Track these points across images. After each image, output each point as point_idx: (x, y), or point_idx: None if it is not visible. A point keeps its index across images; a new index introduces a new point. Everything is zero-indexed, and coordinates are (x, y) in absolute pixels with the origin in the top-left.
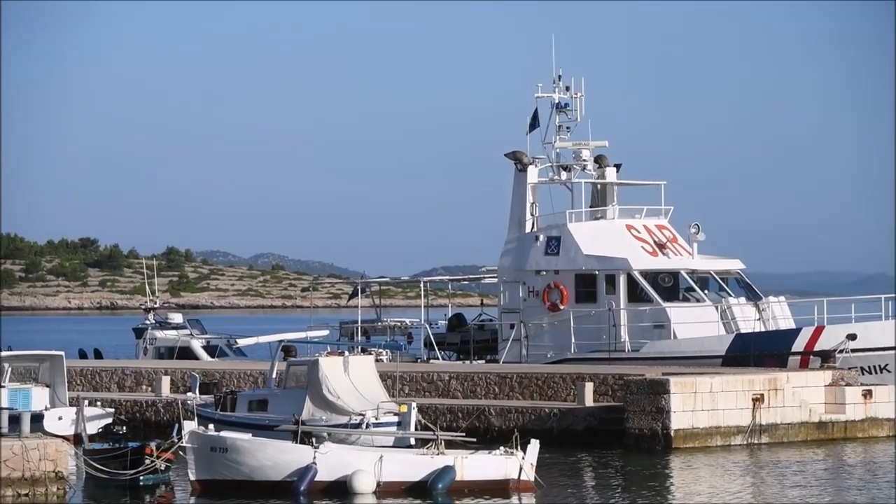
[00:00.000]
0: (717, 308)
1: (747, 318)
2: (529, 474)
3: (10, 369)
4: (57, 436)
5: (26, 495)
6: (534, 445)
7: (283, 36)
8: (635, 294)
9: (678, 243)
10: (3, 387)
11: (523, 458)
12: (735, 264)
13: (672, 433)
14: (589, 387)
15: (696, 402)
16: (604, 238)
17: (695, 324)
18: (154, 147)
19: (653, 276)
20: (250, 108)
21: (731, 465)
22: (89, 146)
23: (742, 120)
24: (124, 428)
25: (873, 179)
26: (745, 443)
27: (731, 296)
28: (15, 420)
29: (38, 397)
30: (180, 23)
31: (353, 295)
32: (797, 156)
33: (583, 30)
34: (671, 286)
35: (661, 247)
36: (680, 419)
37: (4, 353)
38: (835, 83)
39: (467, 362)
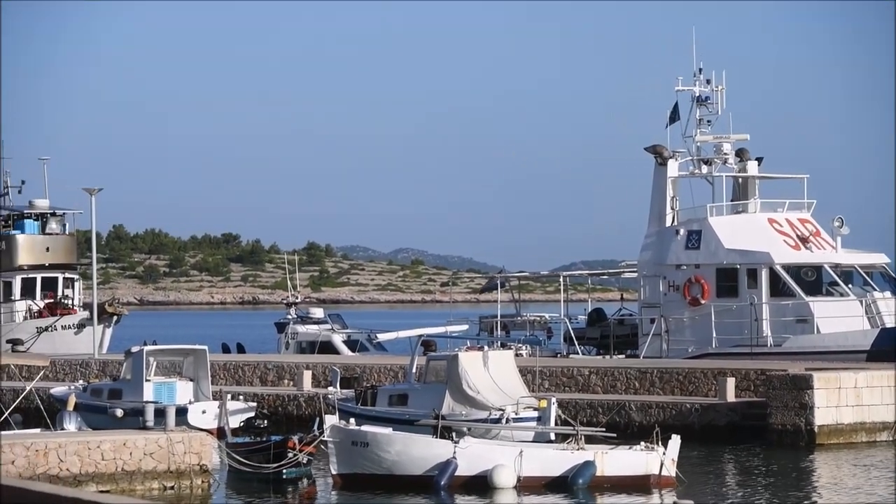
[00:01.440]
0: (861, 302)
1: (892, 313)
2: (670, 470)
3: (154, 363)
4: (201, 429)
5: (172, 488)
6: (675, 441)
7: (411, 34)
8: (777, 288)
9: (821, 237)
10: (149, 381)
11: (664, 454)
12: (880, 258)
13: (816, 429)
14: (731, 382)
15: (841, 398)
16: (745, 232)
17: (838, 318)
18: (293, 145)
19: (795, 271)
20: (383, 106)
21: (876, 463)
22: (230, 146)
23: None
24: (265, 422)
25: None
26: (891, 439)
27: (875, 290)
28: (160, 414)
29: (183, 391)
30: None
31: (487, 288)
32: None
33: (723, 23)
34: (814, 280)
35: (804, 241)
36: (824, 415)
37: (149, 348)
38: None
39: (607, 357)
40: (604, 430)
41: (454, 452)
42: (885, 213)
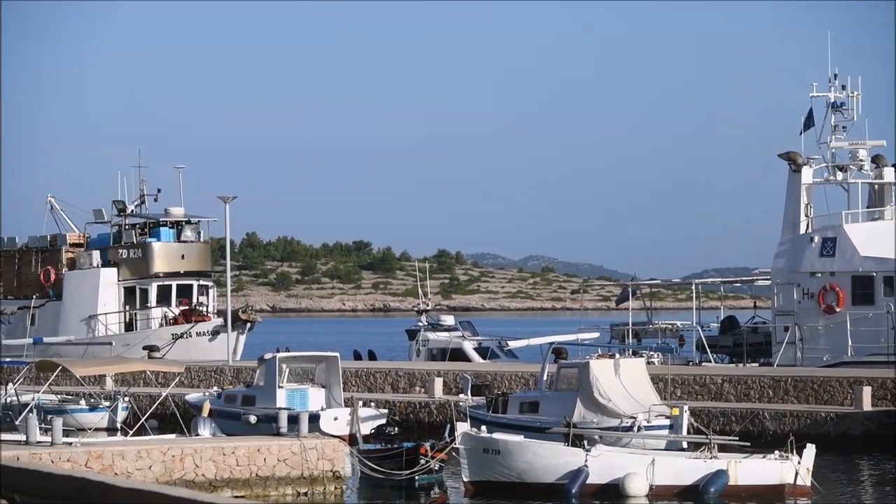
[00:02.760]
0: None
1: None
2: (805, 479)
3: (287, 370)
4: (333, 436)
5: (305, 494)
6: (810, 450)
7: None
8: None
9: None
10: (282, 387)
11: (799, 463)
12: None
13: None
14: (867, 391)
15: None
16: (882, 239)
17: None
18: (424, 153)
19: None
20: (511, 114)
21: None
22: (362, 155)
23: None
24: (396, 429)
25: None
26: None
27: None
28: (293, 420)
29: (315, 398)
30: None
31: (621, 299)
32: None
33: (859, 27)
34: None
35: None
36: None
37: (282, 355)
38: None
39: (740, 365)
40: (737, 438)
41: (585, 460)
42: None
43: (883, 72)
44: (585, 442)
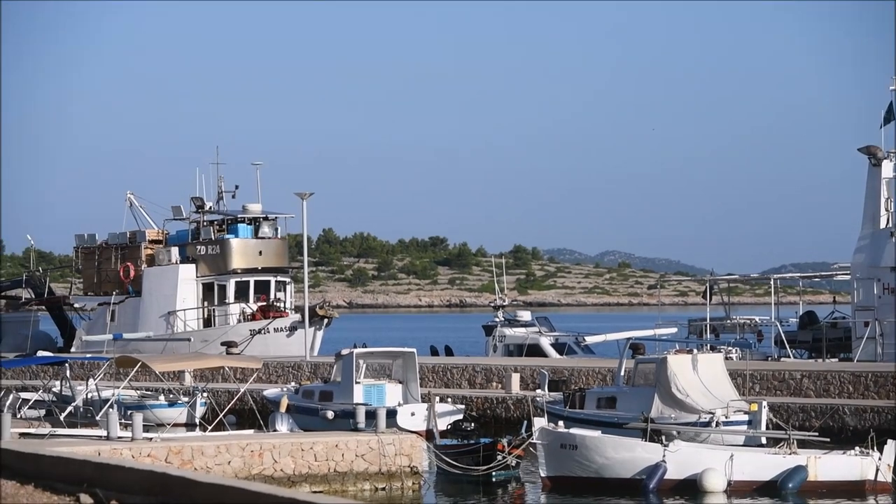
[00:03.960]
0: None
1: None
2: (886, 476)
3: (364, 366)
4: (410, 431)
5: (383, 489)
6: (891, 446)
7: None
8: None
9: None
10: (359, 383)
11: (880, 459)
12: None
13: None
14: None
15: None
16: None
17: None
18: (500, 146)
19: None
20: (581, 109)
21: None
22: (436, 152)
23: None
24: (472, 424)
25: None
26: None
27: None
28: (371, 415)
29: (392, 393)
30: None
31: (707, 294)
32: None
33: None
34: None
35: None
36: None
37: (359, 351)
38: None
39: (820, 360)
40: (816, 434)
41: (663, 456)
42: None
43: None
44: (663, 437)
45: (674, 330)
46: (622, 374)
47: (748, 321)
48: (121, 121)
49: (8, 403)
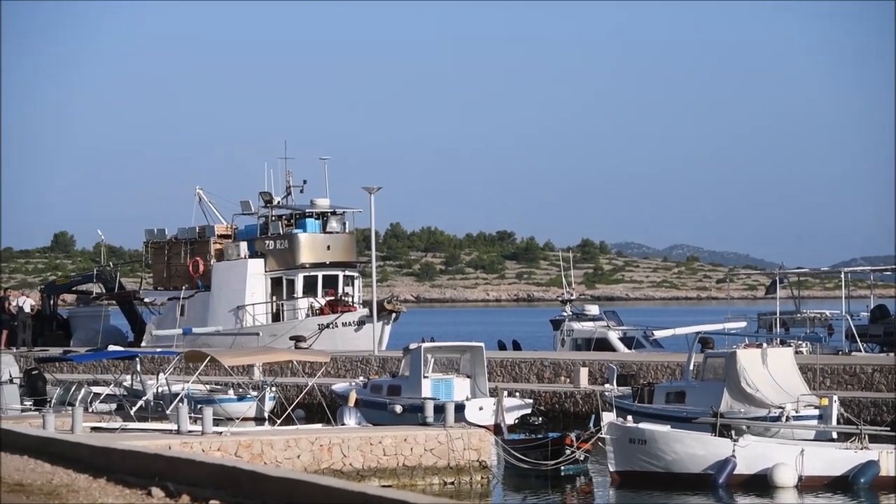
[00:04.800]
0: None
1: None
2: None
3: (432, 360)
4: (478, 426)
5: (452, 483)
6: None
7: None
8: None
9: None
10: (427, 377)
11: None
12: None
13: None
14: None
15: None
16: None
17: None
18: (566, 140)
19: None
20: (652, 107)
21: None
22: (503, 145)
23: None
24: (540, 419)
25: None
26: None
27: None
28: (439, 410)
29: (460, 388)
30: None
31: (772, 288)
32: None
33: None
34: None
35: None
36: None
37: (427, 345)
38: None
39: (891, 354)
40: (889, 429)
41: (733, 450)
42: None
43: None
44: (733, 432)
45: (743, 324)
46: (691, 368)
47: (818, 315)
48: (189, 117)
49: (80, 398)
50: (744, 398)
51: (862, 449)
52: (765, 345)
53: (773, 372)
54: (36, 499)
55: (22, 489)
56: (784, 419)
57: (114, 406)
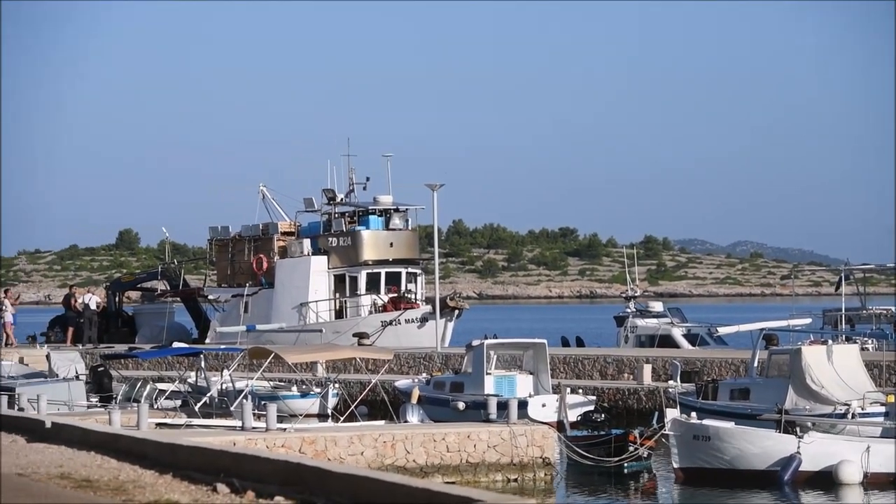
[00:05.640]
0: None
1: None
2: None
3: (495, 357)
4: (541, 422)
5: (515, 480)
6: None
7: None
8: None
9: None
10: (490, 374)
11: None
12: None
13: None
14: None
15: None
16: None
17: None
18: (628, 136)
19: None
20: (718, 101)
21: None
22: (564, 143)
23: None
24: (602, 415)
25: None
26: None
27: None
28: (502, 407)
29: (523, 384)
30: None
31: (840, 284)
32: None
33: None
34: None
35: None
36: None
37: (490, 342)
38: None
39: None
40: None
41: (798, 447)
42: None
43: None
44: (798, 429)
45: (808, 321)
46: (755, 365)
47: (884, 311)
48: (253, 115)
49: (145, 394)
50: (809, 395)
51: None
52: (830, 341)
53: (838, 369)
54: (103, 494)
55: (90, 485)
56: (850, 416)
57: (178, 402)
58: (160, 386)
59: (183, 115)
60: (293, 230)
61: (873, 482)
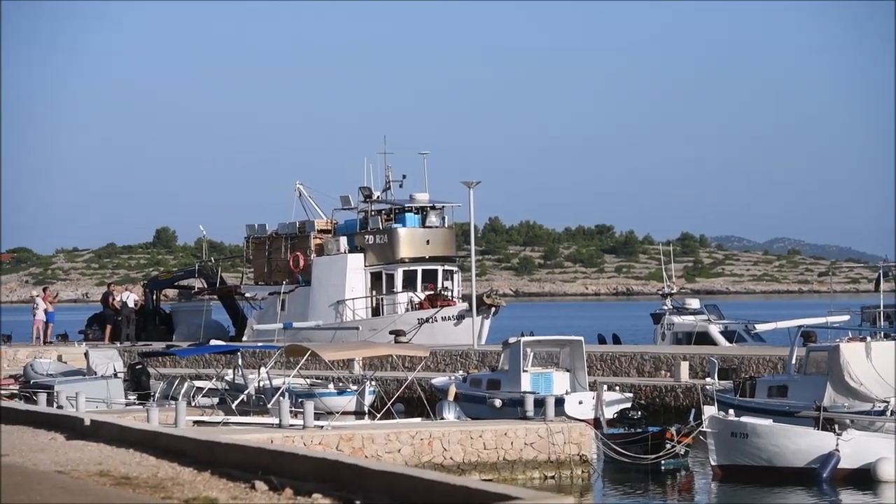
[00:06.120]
0: None
1: None
2: None
3: (532, 354)
4: (578, 420)
5: (552, 477)
6: None
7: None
8: None
9: None
10: (526, 371)
11: None
12: None
13: None
14: None
15: None
16: None
17: None
18: (664, 134)
19: None
20: (746, 98)
21: None
22: (614, 136)
23: None
24: (639, 413)
25: None
26: None
27: None
28: (539, 404)
29: (559, 381)
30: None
31: (880, 281)
32: None
33: None
34: None
35: None
36: None
37: (527, 339)
38: None
39: None
40: None
41: (836, 444)
42: None
43: None
44: (836, 426)
45: (846, 317)
46: (793, 362)
47: None
48: (287, 112)
49: (182, 392)
50: (847, 392)
51: None
52: (868, 338)
53: (877, 366)
54: (142, 492)
55: (128, 482)
56: (889, 413)
57: (216, 400)
58: (198, 383)
59: (222, 115)
60: (330, 228)
61: None
